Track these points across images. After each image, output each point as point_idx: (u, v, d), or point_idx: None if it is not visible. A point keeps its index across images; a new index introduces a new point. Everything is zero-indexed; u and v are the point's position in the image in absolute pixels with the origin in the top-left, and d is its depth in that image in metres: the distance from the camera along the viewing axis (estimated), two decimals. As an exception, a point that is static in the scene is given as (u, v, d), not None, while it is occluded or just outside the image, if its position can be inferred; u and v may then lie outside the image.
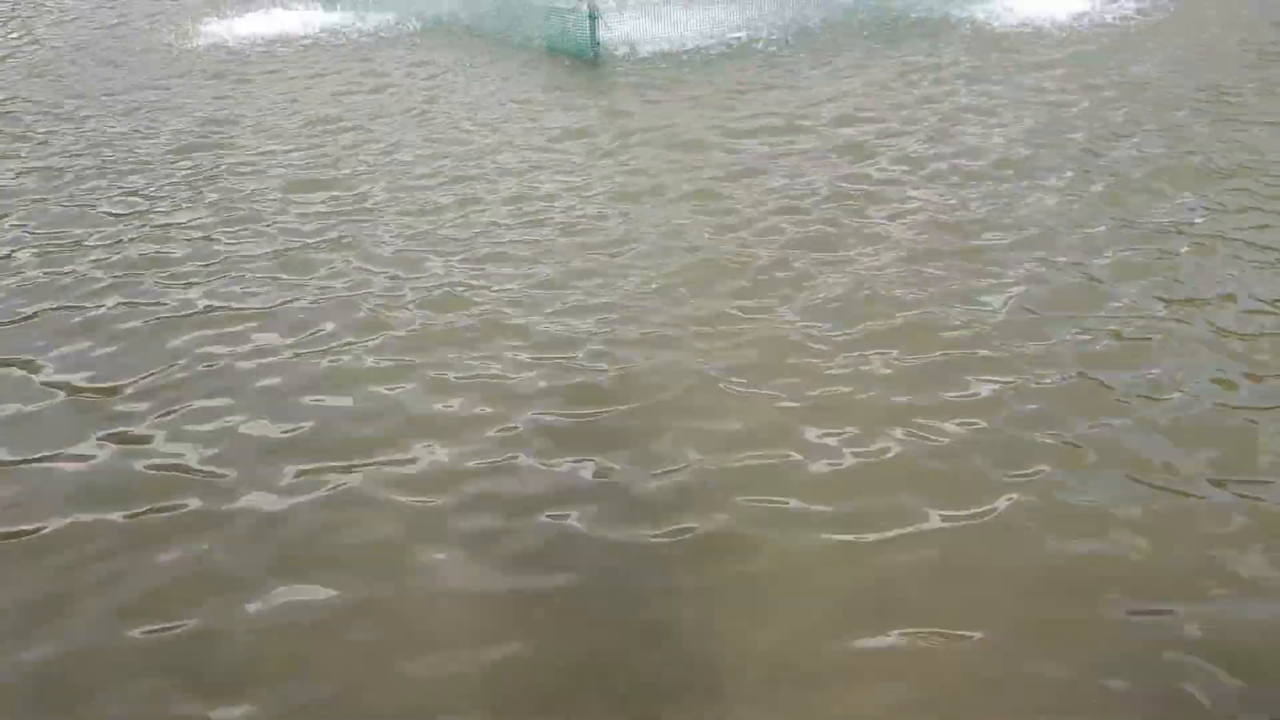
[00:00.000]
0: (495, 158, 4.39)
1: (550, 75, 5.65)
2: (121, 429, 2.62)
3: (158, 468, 2.47)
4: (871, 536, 2.09)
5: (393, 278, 3.36)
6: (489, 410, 2.59)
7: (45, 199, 4.24)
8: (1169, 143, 4.17)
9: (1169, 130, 4.31)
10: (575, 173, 4.22)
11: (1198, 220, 3.50)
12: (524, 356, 2.84)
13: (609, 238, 3.58)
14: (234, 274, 3.45)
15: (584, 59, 5.74)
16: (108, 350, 3.03)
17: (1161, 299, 3.00)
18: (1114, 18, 5.99)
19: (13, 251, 3.76)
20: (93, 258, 3.64)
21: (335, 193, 4.13)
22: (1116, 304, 2.97)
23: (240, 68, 6.06)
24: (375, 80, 5.63)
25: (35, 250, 3.73)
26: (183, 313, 3.23)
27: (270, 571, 2.09)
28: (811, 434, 2.44)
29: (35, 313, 3.28)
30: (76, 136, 4.98)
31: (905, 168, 4.06)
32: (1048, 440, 2.37)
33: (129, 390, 2.80)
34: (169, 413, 2.68)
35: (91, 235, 3.84)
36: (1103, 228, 3.46)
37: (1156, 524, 2.10)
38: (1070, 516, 2.13)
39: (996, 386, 2.59)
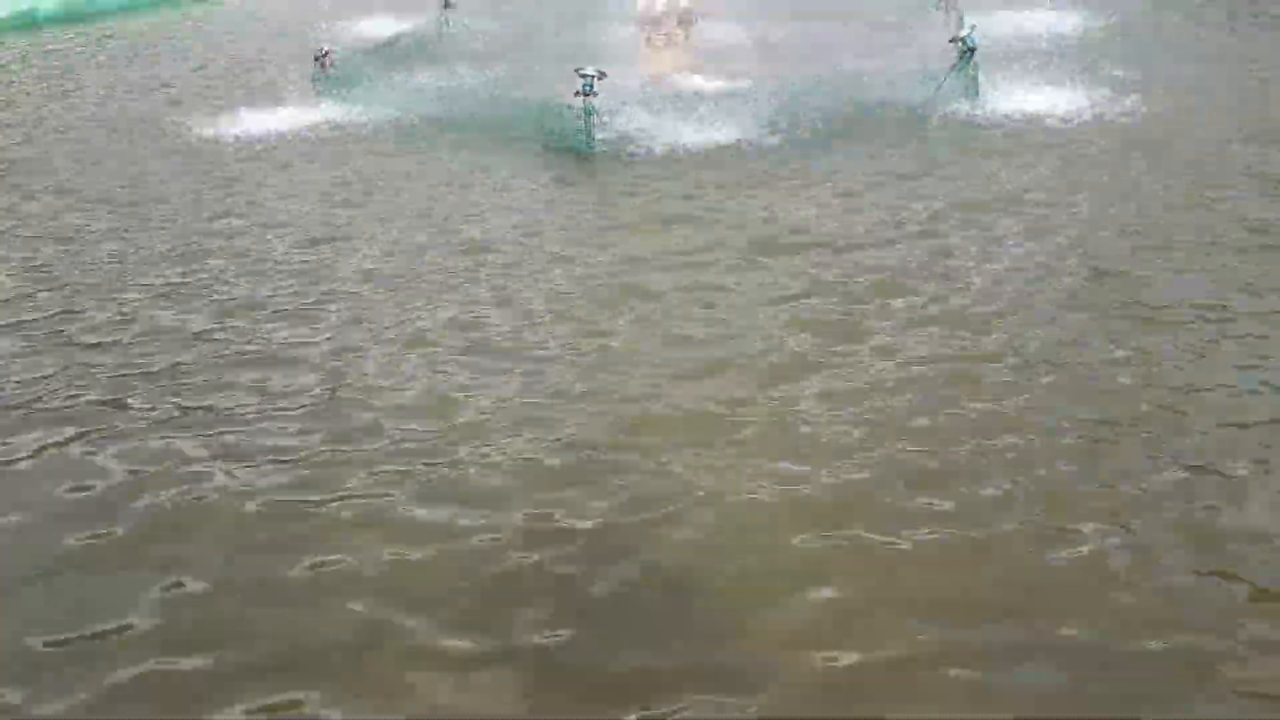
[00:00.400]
0: (488, 256, 4.30)
1: (546, 171, 5.58)
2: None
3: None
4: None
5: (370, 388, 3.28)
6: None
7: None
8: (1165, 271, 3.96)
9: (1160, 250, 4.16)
10: (567, 270, 4.14)
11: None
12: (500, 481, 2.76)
13: (595, 350, 3.48)
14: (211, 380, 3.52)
15: (580, 154, 5.68)
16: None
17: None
18: (1098, 119, 5.92)
19: None
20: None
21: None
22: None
23: (229, 166, 5.92)
24: (366, 181, 5.51)
25: None
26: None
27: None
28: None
29: None
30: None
31: (893, 290, 3.86)
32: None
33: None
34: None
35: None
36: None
37: None
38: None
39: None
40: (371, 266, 4.26)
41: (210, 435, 3.03)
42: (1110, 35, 7.67)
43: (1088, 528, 2.43)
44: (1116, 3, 8.77)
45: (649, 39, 7.17)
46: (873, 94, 6.11)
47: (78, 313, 3.97)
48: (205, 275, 4.27)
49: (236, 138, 6.37)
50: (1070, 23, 8.06)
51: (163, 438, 3.04)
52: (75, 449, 3.00)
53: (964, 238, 4.33)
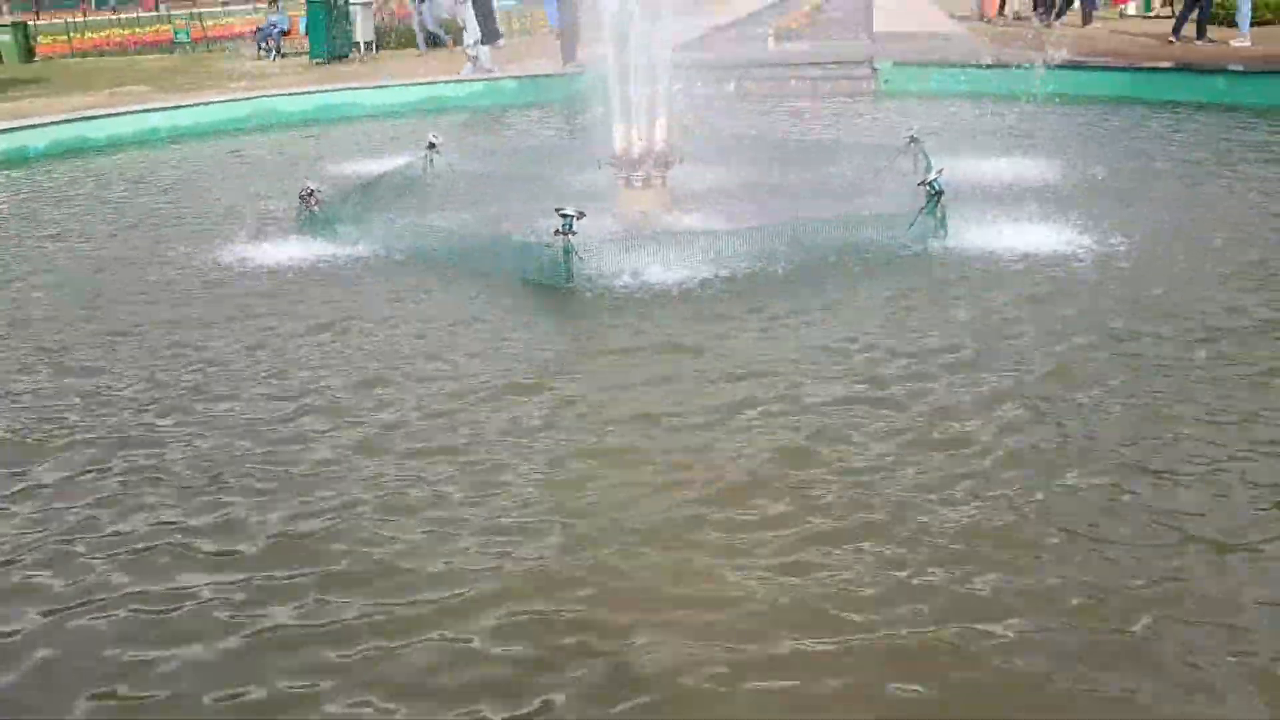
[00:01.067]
0: (457, 411, 4.24)
1: (524, 309, 5.65)
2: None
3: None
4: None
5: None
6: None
7: None
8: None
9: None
10: (532, 426, 4.12)
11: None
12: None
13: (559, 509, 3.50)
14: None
15: (559, 291, 5.75)
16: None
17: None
18: (1067, 260, 5.99)
19: None
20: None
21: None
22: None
23: (203, 305, 5.96)
24: (343, 321, 5.53)
25: None
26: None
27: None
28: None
29: None
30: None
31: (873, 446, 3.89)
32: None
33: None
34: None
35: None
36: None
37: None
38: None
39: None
40: (334, 421, 4.22)
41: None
42: (1087, 181, 7.87)
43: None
44: (1096, 150, 9.14)
45: (627, 180, 7.34)
46: (847, 235, 6.24)
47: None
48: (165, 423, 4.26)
49: (214, 276, 6.46)
50: (1044, 167, 8.32)
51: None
52: None
53: (941, 382, 4.38)
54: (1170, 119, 10.63)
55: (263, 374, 4.80)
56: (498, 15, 18.29)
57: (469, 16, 16.26)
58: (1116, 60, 14.05)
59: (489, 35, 16.41)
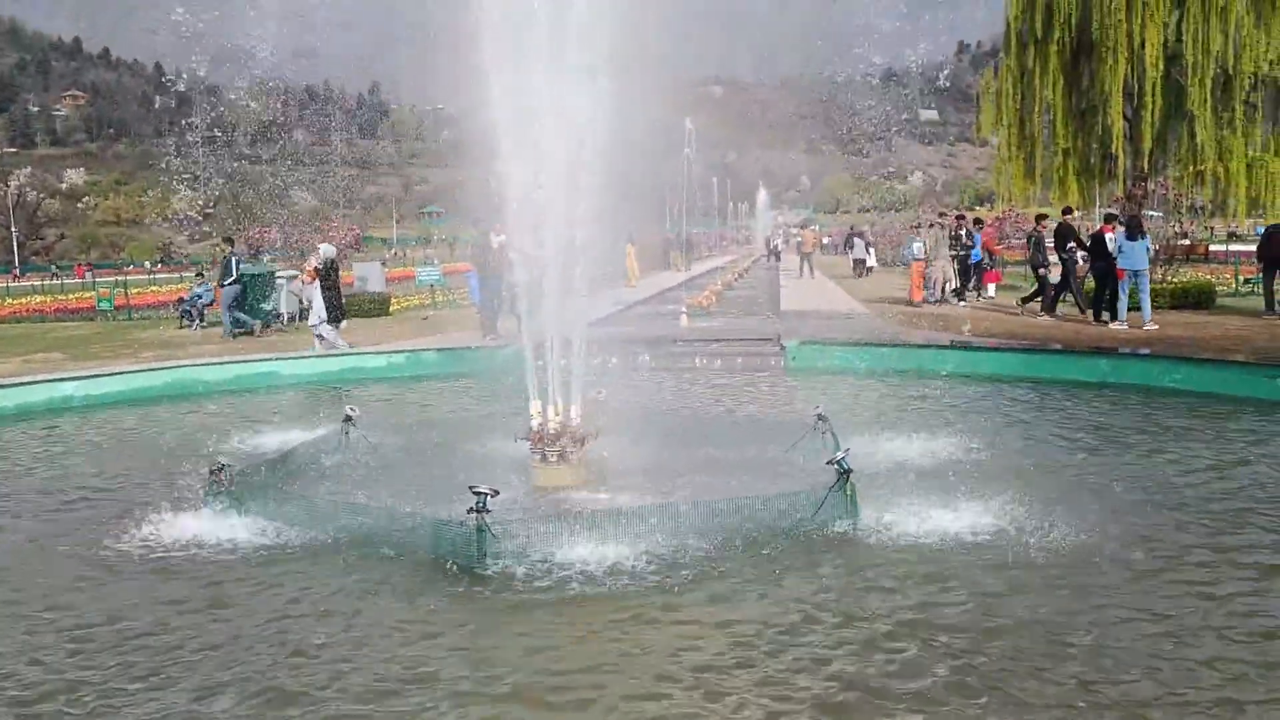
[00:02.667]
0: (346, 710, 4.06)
1: (434, 592, 5.48)
2: None
3: None
4: None
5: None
6: None
7: None
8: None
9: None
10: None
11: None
12: None
13: None
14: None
15: (472, 574, 5.60)
16: None
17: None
18: (976, 543, 6.01)
19: None
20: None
21: None
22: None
23: (86, 597, 5.73)
24: (244, 605, 5.38)
25: None
26: None
27: None
28: None
29: None
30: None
31: None
32: None
33: None
34: None
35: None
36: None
37: None
38: None
39: None
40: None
41: None
42: (1004, 462, 8.04)
43: None
44: (1019, 430, 9.49)
45: (543, 455, 7.39)
46: (759, 514, 6.29)
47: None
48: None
49: (111, 558, 6.19)
50: (960, 447, 8.49)
51: None
52: None
53: (851, 663, 4.32)
54: (1064, 396, 11.19)
55: (138, 674, 4.49)
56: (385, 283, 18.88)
57: (316, 297, 16.76)
58: (1008, 341, 14.92)
59: (335, 315, 16.94)
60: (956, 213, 25.16)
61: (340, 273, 18.39)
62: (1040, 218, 24.04)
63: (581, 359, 7.72)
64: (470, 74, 7.68)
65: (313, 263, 17.07)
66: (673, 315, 20.29)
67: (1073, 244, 19.85)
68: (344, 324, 17.85)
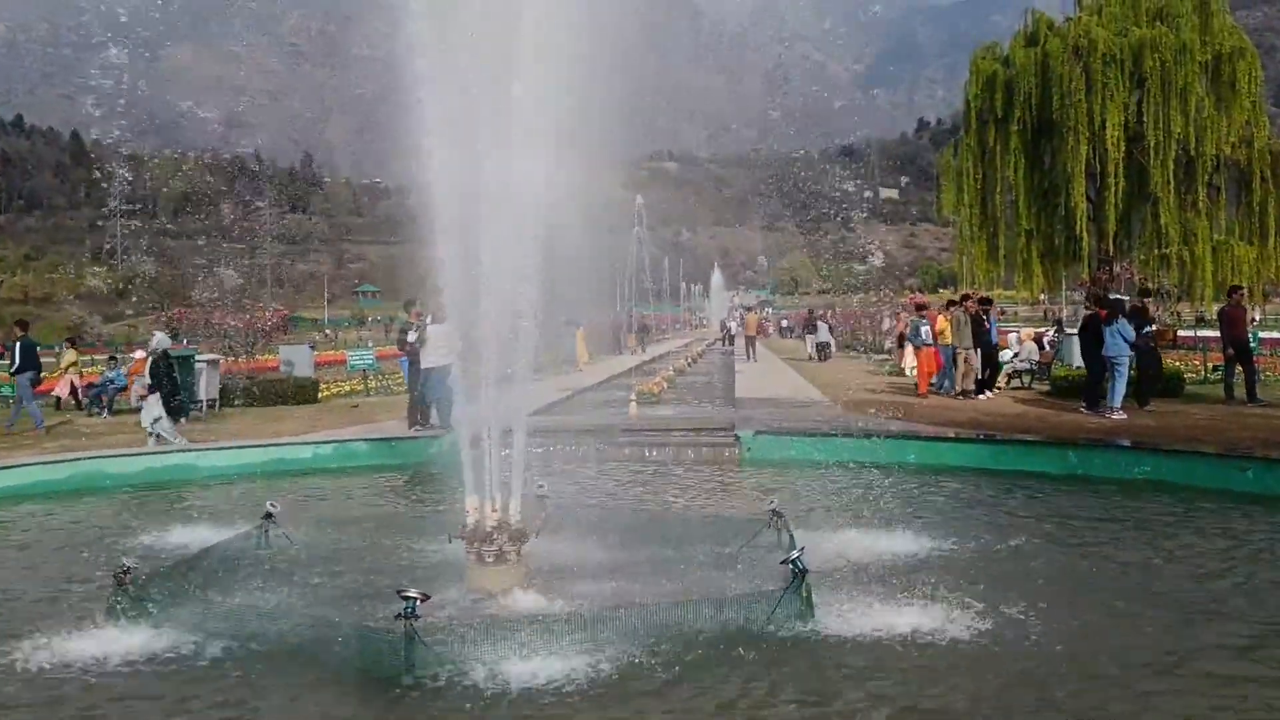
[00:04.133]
0: None
1: (353, 706, 5.37)
2: None
3: None
4: None
5: None
6: None
7: None
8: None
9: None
10: None
11: None
12: None
13: None
14: None
15: (398, 685, 5.49)
16: None
17: None
18: (935, 643, 6.04)
19: None
20: None
21: None
22: None
23: None
24: None
25: None
26: None
27: None
28: None
29: None
30: None
31: None
32: None
33: None
34: None
35: None
36: None
37: None
38: None
39: None
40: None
41: None
42: (967, 560, 8.12)
43: None
44: (982, 525, 9.56)
45: (479, 555, 7.32)
46: (710, 617, 6.26)
47: None
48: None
49: None
50: (922, 544, 8.55)
51: None
52: None
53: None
54: (1034, 489, 11.34)
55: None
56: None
57: (151, 401, 16.53)
58: (972, 431, 15.11)
59: (174, 410, 16.96)
60: (979, 296, 23.85)
61: (175, 362, 18.23)
62: (985, 301, 22.96)
63: (522, 450, 7.69)
64: (409, 147, 7.78)
65: (141, 354, 16.84)
66: (621, 402, 20.32)
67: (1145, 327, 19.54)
68: (184, 420, 17.82)
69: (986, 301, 23.19)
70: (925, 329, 22.24)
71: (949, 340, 21.75)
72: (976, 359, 21.58)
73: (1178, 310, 35.27)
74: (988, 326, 22.13)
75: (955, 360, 21.78)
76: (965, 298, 22.67)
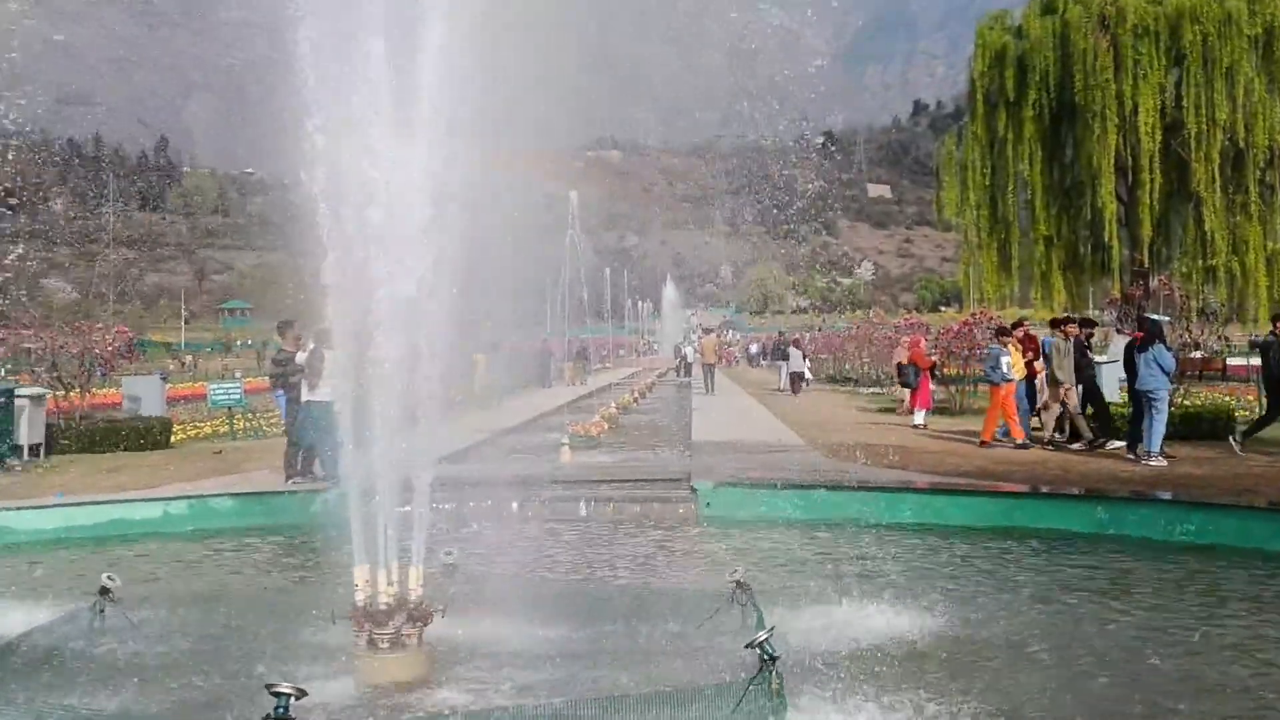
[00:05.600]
0: None
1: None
2: None
3: None
4: None
5: None
6: None
7: None
8: None
9: None
10: None
11: None
12: None
13: None
14: None
15: None
16: None
17: None
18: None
19: None
20: None
21: None
22: None
23: None
24: None
25: None
26: None
27: None
28: None
29: None
30: None
31: None
32: None
33: None
34: None
35: None
36: None
37: None
38: None
39: None
40: None
41: None
42: (976, 645, 8.16)
43: None
44: (999, 602, 9.58)
45: (371, 640, 7.23)
46: (659, 715, 6.22)
47: None
48: None
49: None
50: (921, 625, 8.58)
51: None
52: None
53: None
54: (1058, 552, 11.43)
55: None
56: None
57: None
58: (981, 484, 15.23)
59: None
60: (1079, 316, 22.86)
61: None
62: (1017, 324, 22.99)
63: (426, 507, 7.64)
64: (290, 130, 7.71)
65: None
66: (551, 447, 20.29)
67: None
68: None
69: (1089, 324, 22.61)
70: (1006, 360, 21.56)
71: (1022, 374, 21.50)
72: (1076, 396, 20.90)
73: (1225, 334, 35.85)
74: (1091, 357, 21.52)
75: (1035, 397, 21.67)
76: (1065, 321, 21.59)
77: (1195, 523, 11.95)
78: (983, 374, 24.51)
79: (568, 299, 61.01)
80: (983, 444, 20.96)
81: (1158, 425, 17.76)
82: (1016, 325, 22.28)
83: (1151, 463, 17.19)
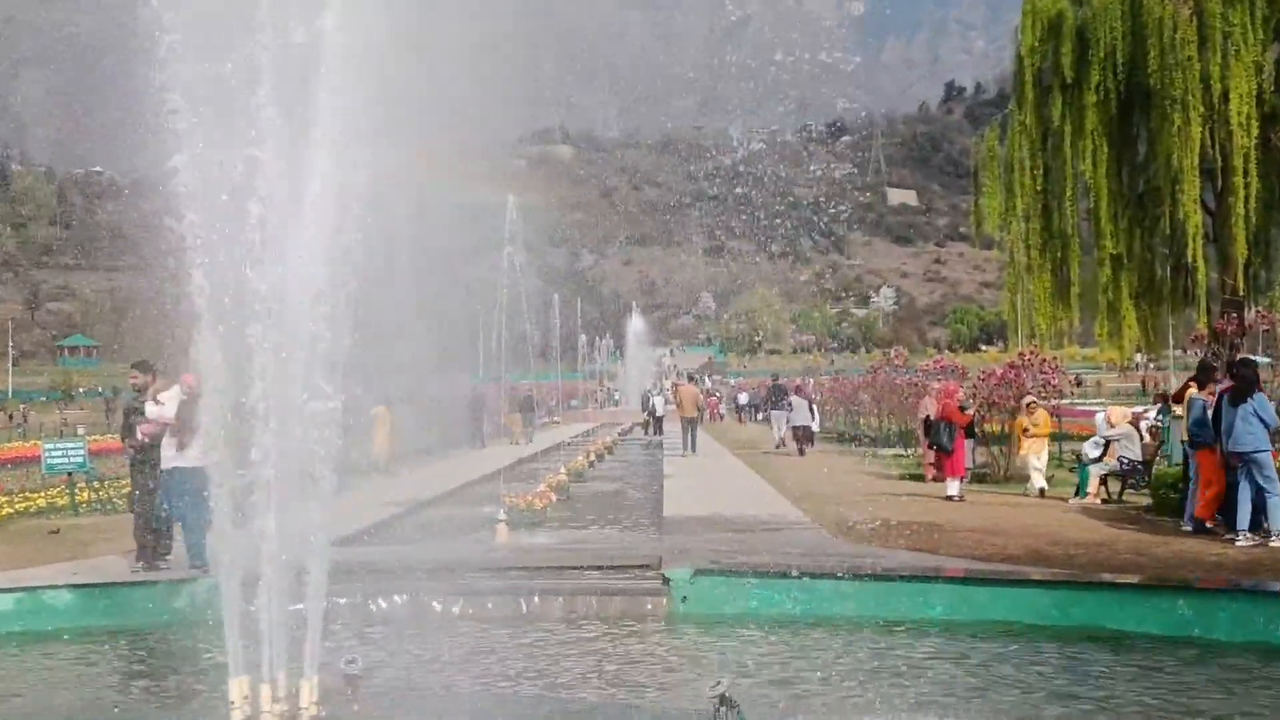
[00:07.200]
0: None
1: None
2: None
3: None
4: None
5: None
6: None
7: None
8: None
9: None
10: None
11: None
12: None
13: None
14: None
15: None
16: None
17: None
18: None
19: None
20: None
21: None
22: None
23: None
24: None
25: None
26: None
27: None
28: None
29: None
30: None
31: None
32: None
33: None
34: None
35: None
36: None
37: None
38: None
39: None
40: None
41: None
42: None
43: None
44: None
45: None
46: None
47: None
48: None
49: None
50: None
51: None
52: None
53: None
54: (1127, 661, 11.45)
55: None
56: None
57: None
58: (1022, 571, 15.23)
59: None
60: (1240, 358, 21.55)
61: None
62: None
63: (321, 602, 7.65)
64: (148, 122, 7.71)
65: None
66: (484, 524, 20.26)
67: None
68: None
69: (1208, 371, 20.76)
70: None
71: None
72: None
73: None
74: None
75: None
76: (1208, 372, 20.08)
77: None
78: (1154, 432, 24.10)
79: (504, 336, 60.91)
80: (1205, 524, 19.04)
81: (1274, 499, 17.35)
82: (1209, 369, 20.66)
83: (1242, 543, 17.13)
